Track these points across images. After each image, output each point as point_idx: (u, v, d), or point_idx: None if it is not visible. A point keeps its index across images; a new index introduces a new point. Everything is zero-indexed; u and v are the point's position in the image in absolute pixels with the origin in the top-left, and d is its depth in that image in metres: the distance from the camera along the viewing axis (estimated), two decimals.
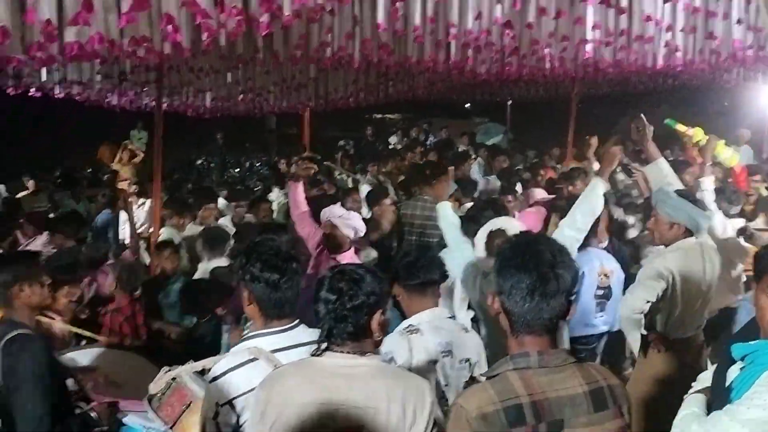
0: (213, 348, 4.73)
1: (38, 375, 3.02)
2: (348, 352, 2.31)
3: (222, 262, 5.86)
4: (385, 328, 2.44)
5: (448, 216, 4.69)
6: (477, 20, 4.55)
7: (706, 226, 4.08)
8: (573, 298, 2.14)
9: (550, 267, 2.05)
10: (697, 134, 5.72)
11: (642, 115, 4.68)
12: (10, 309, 3.20)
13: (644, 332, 4.13)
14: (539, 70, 5.65)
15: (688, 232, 4.00)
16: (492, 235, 4.27)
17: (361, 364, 2.30)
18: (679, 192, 4.07)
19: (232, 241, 6.13)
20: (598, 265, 4.96)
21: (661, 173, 4.48)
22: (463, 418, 2.01)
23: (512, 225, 4.41)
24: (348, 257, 4.99)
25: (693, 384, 2.82)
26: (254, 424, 2.31)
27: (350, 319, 2.30)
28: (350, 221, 5.03)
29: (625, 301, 4.19)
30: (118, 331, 4.92)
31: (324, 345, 2.34)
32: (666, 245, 4.12)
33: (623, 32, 5.25)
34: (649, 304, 4.01)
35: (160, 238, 6.57)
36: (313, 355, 2.36)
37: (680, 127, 5.89)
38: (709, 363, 4.57)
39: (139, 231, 8.40)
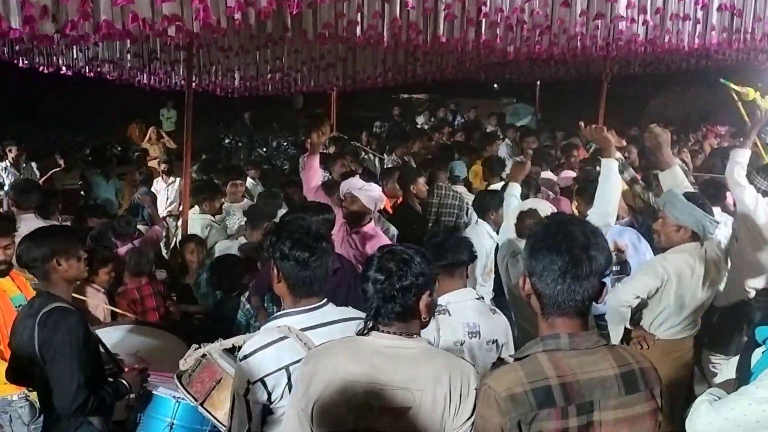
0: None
1: (73, 347, 3.08)
2: (395, 333, 2.30)
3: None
4: (432, 310, 2.40)
5: (514, 197, 4.75)
6: None
7: (714, 232, 3.98)
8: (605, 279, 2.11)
9: (583, 249, 2.02)
10: (750, 93, 5.65)
11: (655, 125, 4.65)
12: (47, 282, 3.26)
13: (630, 327, 4.07)
14: (571, 49, 5.57)
15: (695, 236, 3.93)
16: (523, 216, 4.25)
17: (407, 345, 2.29)
18: (687, 195, 3.98)
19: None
20: (610, 241, 4.89)
21: (675, 180, 4.43)
22: (492, 398, 2.01)
23: (544, 206, 4.38)
24: (370, 229, 4.98)
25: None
26: (298, 397, 2.31)
27: (398, 300, 2.27)
28: (371, 193, 4.99)
29: (614, 292, 4.10)
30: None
31: (370, 324, 2.33)
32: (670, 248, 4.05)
33: (658, 10, 5.16)
34: (638, 299, 3.93)
35: (190, 226, 6.62)
36: (358, 333, 2.36)
37: (734, 87, 5.83)
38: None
39: (168, 209, 8.53)
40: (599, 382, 2.02)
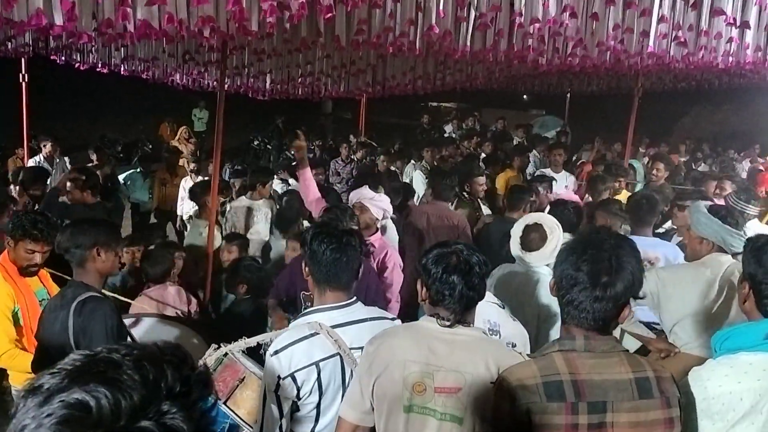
0: (253, 325, 4.79)
1: (108, 335, 3.14)
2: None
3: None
4: None
5: None
6: (543, 6, 4.47)
7: (738, 246, 3.81)
8: (630, 302, 2.16)
9: (605, 274, 2.09)
10: None
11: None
12: (82, 270, 3.32)
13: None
14: (603, 62, 5.55)
15: (722, 249, 3.89)
16: (528, 229, 4.26)
17: (464, 333, 2.44)
18: (711, 208, 3.98)
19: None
20: (641, 252, 4.84)
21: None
22: (504, 388, 2.11)
23: (547, 219, 4.38)
24: (376, 239, 5.02)
25: None
26: (361, 374, 2.50)
27: (475, 291, 2.45)
28: (380, 203, 5.07)
29: None
30: None
31: (459, 317, 2.44)
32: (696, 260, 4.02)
33: (690, 27, 5.13)
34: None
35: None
36: (445, 326, 2.45)
37: None
38: None
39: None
40: (613, 384, 2.07)
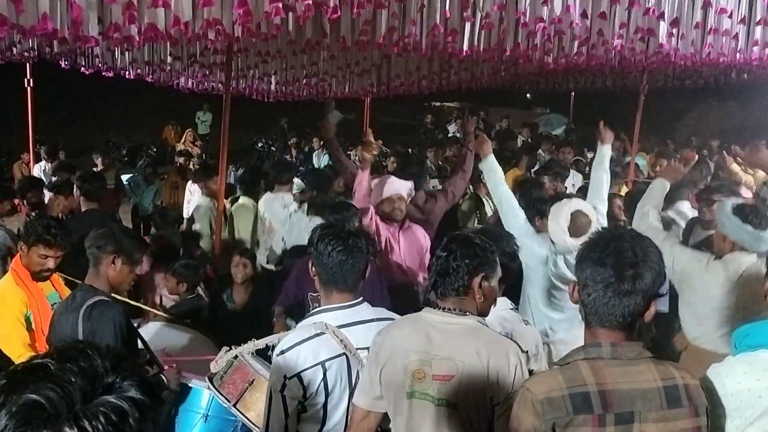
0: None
1: (118, 337, 3.15)
2: (448, 309, 2.55)
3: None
4: (490, 295, 2.63)
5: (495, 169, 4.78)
6: (546, 5, 4.46)
7: (755, 245, 3.84)
8: (657, 297, 2.09)
9: (630, 265, 2.02)
10: None
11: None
12: (95, 271, 3.32)
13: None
14: (609, 60, 5.53)
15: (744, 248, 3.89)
16: (574, 216, 4.27)
17: (457, 321, 2.54)
18: (736, 207, 3.95)
19: None
20: None
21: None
22: (529, 400, 2.03)
23: (585, 204, 4.45)
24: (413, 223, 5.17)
25: None
26: (370, 363, 2.62)
27: (453, 276, 2.53)
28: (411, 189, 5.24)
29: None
30: None
31: (430, 295, 2.60)
32: (720, 257, 4.03)
33: (697, 25, 5.11)
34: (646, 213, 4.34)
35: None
36: (424, 303, 2.63)
37: None
38: None
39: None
40: (640, 393, 2.01)
